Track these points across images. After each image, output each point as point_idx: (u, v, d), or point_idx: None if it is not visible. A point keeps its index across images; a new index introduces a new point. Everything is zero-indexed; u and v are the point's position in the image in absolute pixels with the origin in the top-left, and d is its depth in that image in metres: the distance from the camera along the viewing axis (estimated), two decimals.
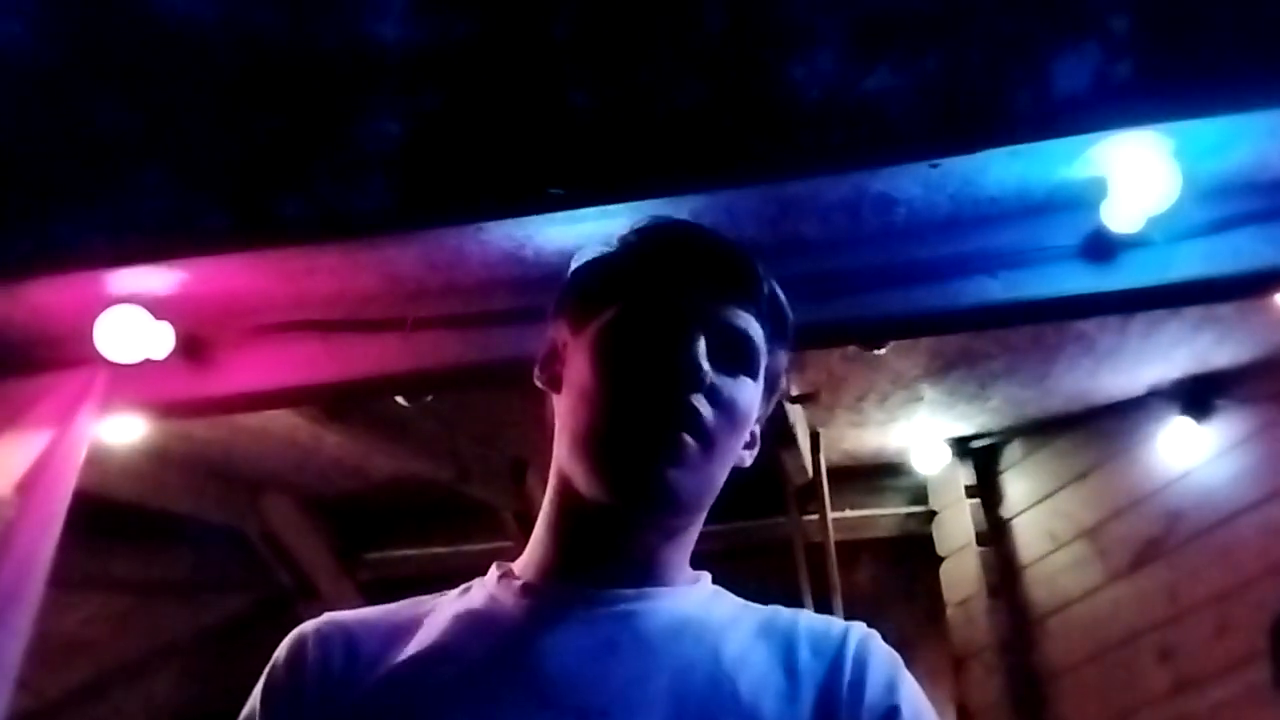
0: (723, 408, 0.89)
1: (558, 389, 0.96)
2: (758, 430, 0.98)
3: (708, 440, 0.88)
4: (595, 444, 0.89)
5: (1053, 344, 3.00)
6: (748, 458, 0.97)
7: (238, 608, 3.77)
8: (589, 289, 0.97)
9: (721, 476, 0.93)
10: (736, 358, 0.91)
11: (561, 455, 0.94)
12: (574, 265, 1.01)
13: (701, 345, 0.88)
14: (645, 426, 0.87)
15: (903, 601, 3.79)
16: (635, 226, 1.00)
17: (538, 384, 1.00)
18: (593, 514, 0.90)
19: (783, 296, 0.98)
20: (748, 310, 0.93)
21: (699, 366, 0.87)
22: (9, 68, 1.99)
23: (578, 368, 0.93)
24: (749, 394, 0.93)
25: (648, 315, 0.90)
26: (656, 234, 0.99)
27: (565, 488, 0.93)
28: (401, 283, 1.98)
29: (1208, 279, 1.82)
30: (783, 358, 0.99)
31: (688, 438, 0.87)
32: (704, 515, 0.96)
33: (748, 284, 0.94)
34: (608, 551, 0.91)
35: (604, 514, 0.89)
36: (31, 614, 1.77)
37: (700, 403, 0.87)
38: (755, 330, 0.93)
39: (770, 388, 0.98)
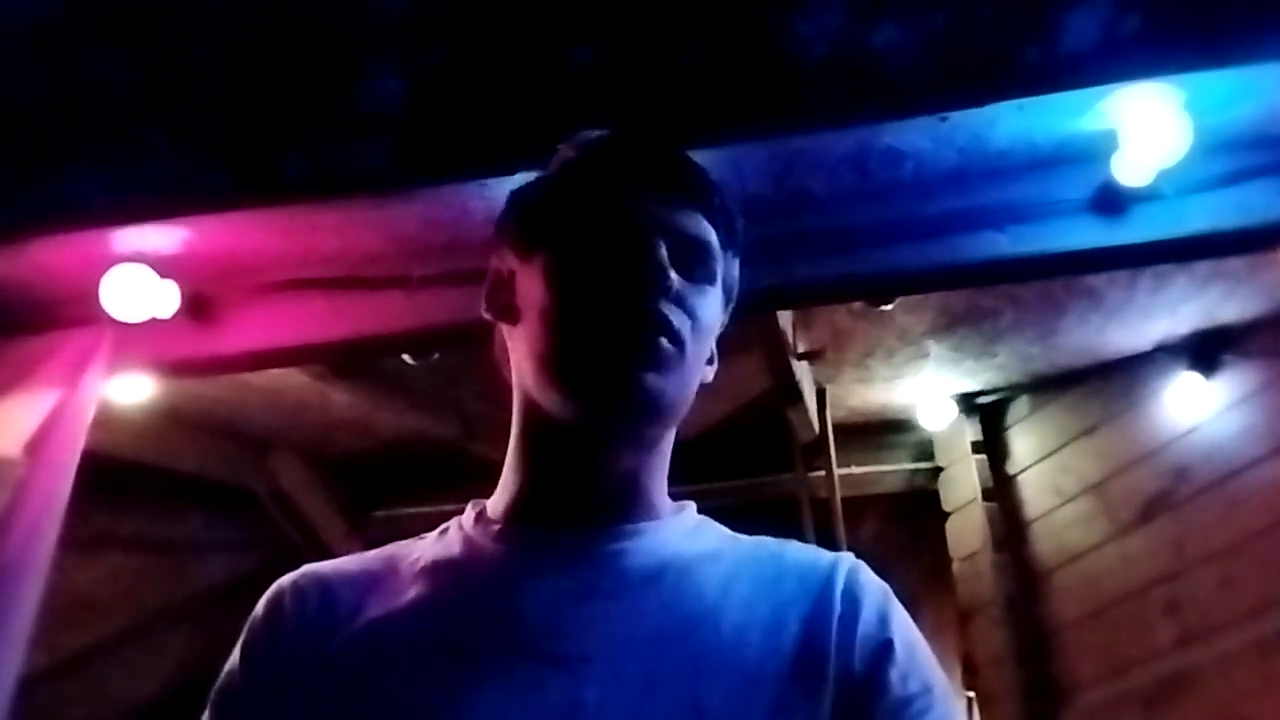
0: (689, 313, 0.88)
1: (511, 319, 0.94)
2: (715, 348, 0.96)
3: (680, 343, 0.87)
4: (568, 361, 0.86)
5: (1060, 299, 2.99)
6: (710, 373, 0.95)
7: (248, 566, 3.80)
8: (533, 213, 0.95)
9: (694, 385, 0.91)
10: (697, 264, 0.90)
11: (527, 383, 0.91)
12: (515, 189, 0.99)
13: (663, 252, 0.87)
14: (618, 335, 0.85)
15: (909, 557, 3.81)
16: (573, 141, 0.98)
17: (485, 316, 0.97)
18: (566, 438, 0.88)
19: (731, 204, 0.96)
20: (701, 215, 0.92)
21: (665, 273, 0.86)
22: (12, 26, 1.98)
23: (535, 292, 0.90)
24: (712, 302, 0.92)
25: (605, 228, 0.88)
26: (599, 146, 0.96)
27: (533, 416, 0.91)
28: (406, 240, 1.97)
29: (1218, 232, 1.81)
30: (735, 265, 0.98)
31: (663, 340, 0.85)
32: (673, 432, 0.94)
33: (698, 189, 0.93)
34: (583, 480, 0.89)
35: (577, 436, 0.88)
36: (44, 573, 1.78)
37: (669, 309, 0.86)
38: (711, 235, 0.92)
39: (727, 297, 0.97)
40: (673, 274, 0.86)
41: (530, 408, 0.91)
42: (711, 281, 0.92)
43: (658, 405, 0.87)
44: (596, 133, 0.98)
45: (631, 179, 0.91)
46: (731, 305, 0.99)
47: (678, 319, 0.86)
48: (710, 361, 0.95)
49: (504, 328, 0.96)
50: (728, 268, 0.95)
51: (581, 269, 0.88)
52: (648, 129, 0.99)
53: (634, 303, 0.85)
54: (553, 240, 0.91)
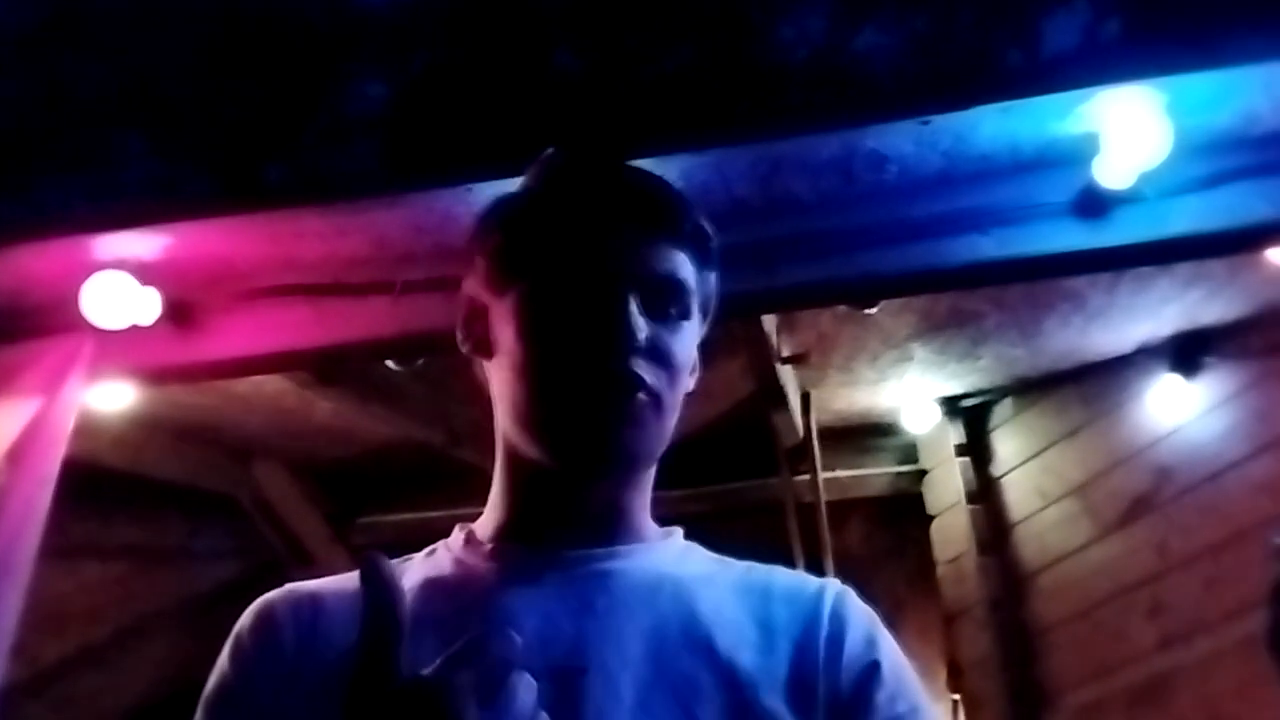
0: (664, 362, 0.88)
1: (486, 353, 0.94)
2: (697, 356, 0.96)
3: (656, 398, 0.87)
4: (542, 419, 0.87)
5: (1043, 302, 3.00)
6: (692, 382, 0.95)
7: (231, 574, 3.78)
8: (503, 250, 0.94)
9: (673, 422, 0.91)
10: (670, 304, 0.89)
11: (506, 425, 0.92)
12: (482, 214, 0.98)
13: (634, 306, 0.86)
14: (591, 399, 0.85)
15: (893, 560, 3.82)
16: (540, 165, 0.97)
17: (462, 349, 0.97)
18: (547, 476, 0.89)
19: (703, 219, 0.95)
20: (674, 247, 0.90)
21: (633, 332, 0.85)
22: None
23: (507, 337, 0.90)
24: (687, 338, 0.92)
25: (573, 281, 0.88)
26: (565, 179, 0.95)
27: (515, 453, 0.92)
28: (389, 246, 1.97)
29: (1199, 234, 1.82)
30: (713, 280, 0.97)
31: (639, 395, 0.86)
32: (656, 462, 0.94)
33: (668, 220, 0.91)
34: (569, 510, 0.90)
35: (558, 475, 0.88)
36: (24, 583, 1.77)
37: (641, 365, 0.86)
38: (685, 269, 0.91)
39: (705, 312, 0.96)
40: (643, 329, 0.86)
41: (511, 445, 0.92)
42: (686, 316, 0.91)
43: (635, 458, 0.89)
44: (559, 155, 0.98)
45: (602, 217, 0.90)
46: (711, 317, 0.99)
47: (651, 373, 0.86)
48: (692, 372, 0.95)
49: (482, 363, 0.96)
50: (704, 288, 0.95)
51: (553, 322, 0.88)
52: (608, 148, 0.97)
53: (605, 364, 0.85)
54: (524, 284, 0.90)
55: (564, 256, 0.89)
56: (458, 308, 0.98)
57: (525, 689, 0.66)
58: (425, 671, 0.64)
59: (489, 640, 0.66)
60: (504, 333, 0.91)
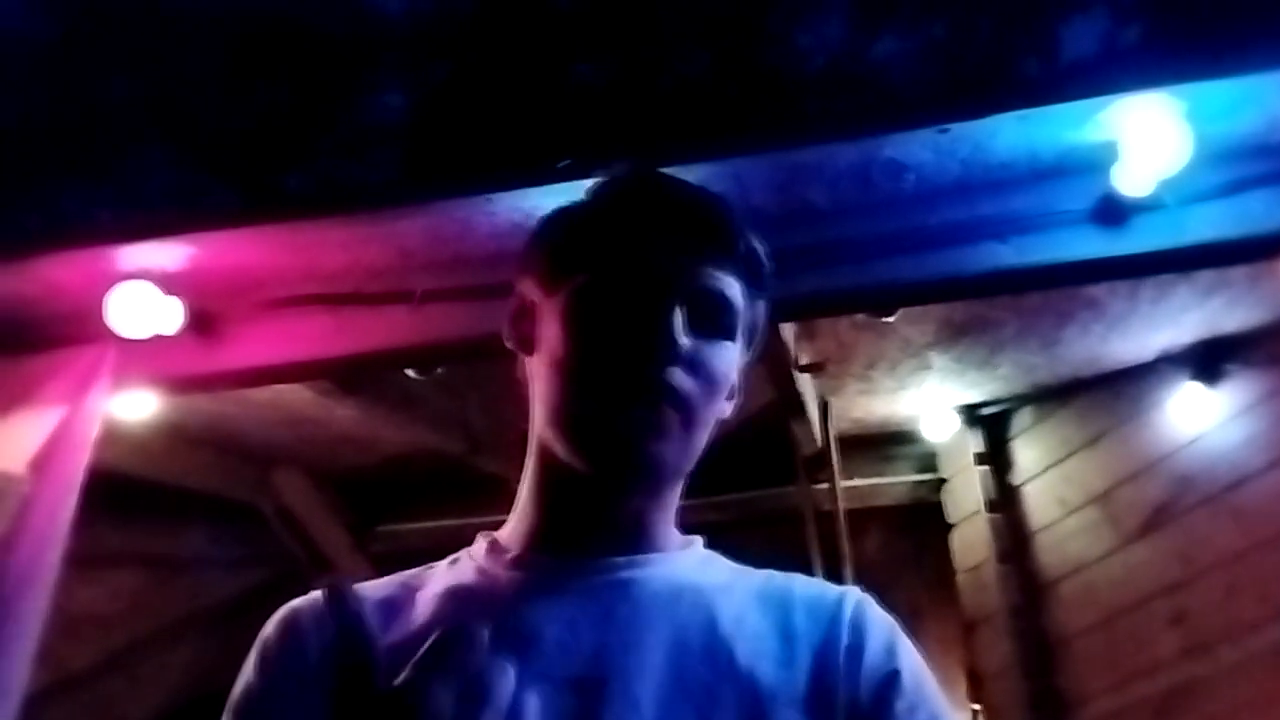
0: (701, 376, 0.88)
1: (529, 350, 0.95)
2: (737, 382, 0.96)
3: (687, 411, 0.87)
4: (574, 419, 0.88)
5: (1063, 310, 2.99)
6: (728, 409, 0.95)
7: (252, 582, 3.80)
8: (559, 249, 0.95)
9: (703, 440, 0.92)
10: (715, 322, 0.89)
11: (539, 424, 0.92)
12: (544, 217, 0.99)
13: (678, 316, 0.86)
14: (623, 403, 0.85)
15: (913, 569, 3.80)
16: (607, 177, 0.97)
17: (507, 344, 0.98)
18: (576, 482, 0.89)
19: (759, 246, 0.95)
20: (724, 268, 0.90)
21: (675, 340, 0.85)
22: (16, 45, 1.99)
23: (551, 334, 0.91)
24: (728, 357, 0.91)
25: (621, 284, 0.88)
26: (626, 189, 0.96)
27: (546, 455, 0.92)
28: (410, 255, 1.98)
29: (1219, 242, 1.81)
30: (761, 308, 0.97)
31: (668, 408, 0.86)
32: (685, 478, 0.95)
33: (723, 240, 0.92)
34: (595, 518, 0.90)
35: (587, 482, 0.88)
36: (49, 590, 1.79)
37: (677, 376, 0.86)
38: (733, 290, 0.91)
39: (750, 340, 0.96)
40: (684, 339, 0.86)
41: (544, 445, 0.92)
42: (729, 337, 0.91)
43: (659, 472, 0.89)
44: (629, 170, 0.98)
45: (657, 227, 0.90)
46: (755, 346, 0.99)
47: (686, 384, 0.86)
48: (730, 398, 0.95)
49: (524, 359, 0.97)
50: (751, 315, 0.95)
51: (596, 327, 0.88)
52: (673, 172, 0.97)
53: (642, 369, 0.85)
54: (574, 282, 0.91)
55: (616, 259, 0.89)
56: (508, 306, 0.99)
57: (502, 680, 0.66)
58: (397, 681, 0.65)
59: (455, 639, 0.67)
60: (549, 330, 0.91)
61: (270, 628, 0.88)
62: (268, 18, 1.93)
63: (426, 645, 0.67)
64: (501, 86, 1.82)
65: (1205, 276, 2.74)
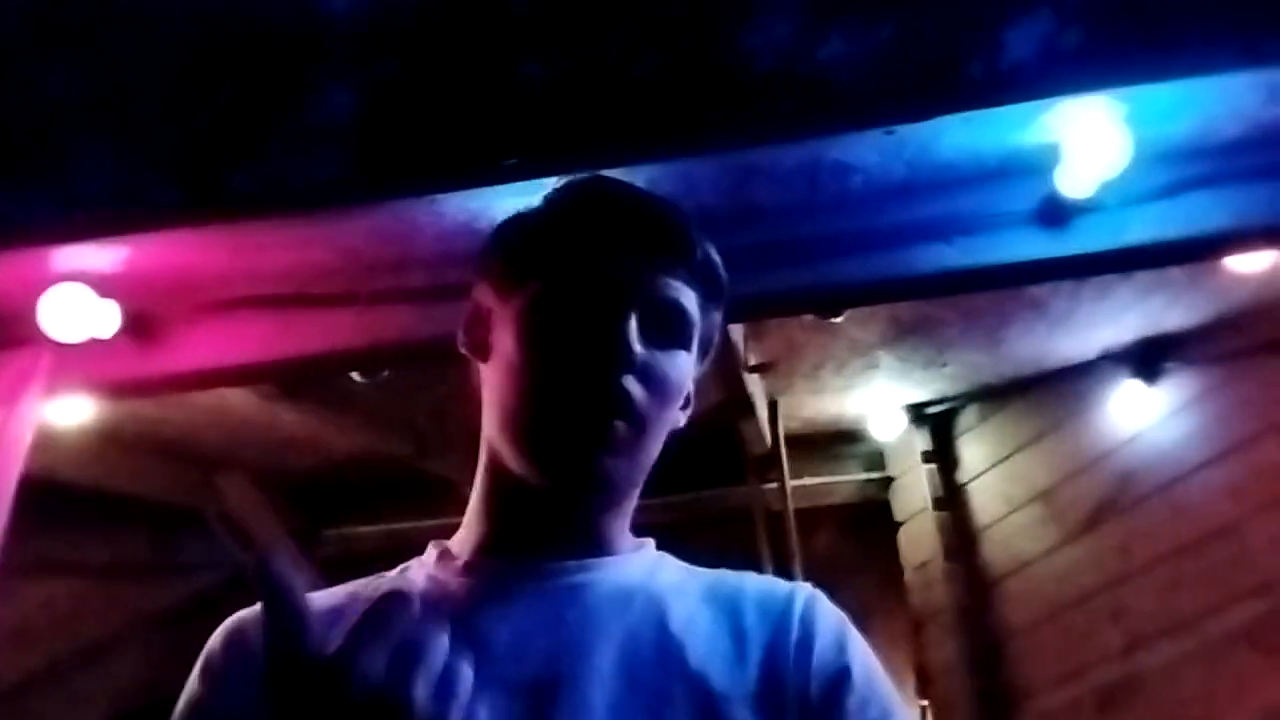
0: (654, 385, 0.87)
1: (484, 356, 0.94)
2: (691, 391, 0.95)
3: (639, 422, 0.87)
4: (525, 428, 0.87)
5: (1007, 309, 3.03)
6: (682, 418, 0.95)
7: (197, 588, 3.74)
8: (514, 256, 0.94)
9: (655, 451, 0.92)
10: (668, 331, 0.89)
11: (491, 432, 0.92)
12: (499, 223, 0.98)
13: (632, 324, 0.86)
14: (575, 413, 0.85)
15: (862, 567, 3.83)
16: (563, 184, 0.97)
17: (461, 350, 0.97)
18: (527, 491, 0.88)
19: (715, 256, 0.95)
20: (679, 277, 0.90)
21: (629, 348, 0.85)
22: None
23: (505, 342, 0.90)
24: (682, 365, 0.91)
25: (576, 292, 0.88)
26: (584, 194, 0.95)
27: (497, 463, 0.91)
28: (355, 257, 1.96)
29: (1160, 243, 1.84)
30: (716, 318, 0.97)
31: (619, 423, 0.85)
32: (640, 487, 0.95)
33: (679, 248, 0.91)
34: (546, 525, 0.90)
35: (538, 491, 0.88)
36: None
37: (631, 384, 0.85)
38: (688, 298, 0.91)
39: (704, 350, 0.96)
40: (638, 348, 0.86)
41: (494, 453, 0.92)
42: (684, 346, 0.91)
43: (610, 483, 0.88)
44: (585, 177, 0.98)
45: (613, 236, 0.90)
46: (710, 357, 0.98)
47: (639, 393, 0.86)
48: (685, 407, 0.95)
49: (479, 365, 0.96)
50: (706, 325, 0.94)
51: (549, 334, 0.88)
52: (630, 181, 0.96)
53: (596, 379, 0.85)
54: (529, 290, 0.90)
55: (571, 267, 0.89)
56: (462, 311, 0.98)
57: (437, 646, 0.65)
58: (330, 649, 0.64)
59: (386, 606, 0.66)
60: (503, 337, 0.91)
61: (215, 639, 0.87)
62: (213, 14, 1.90)
63: (361, 614, 0.66)
64: (448, 85, 1.80)
65: (1145, 276, 2.78)
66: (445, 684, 0.64)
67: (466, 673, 0.66)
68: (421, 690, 0.63)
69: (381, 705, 0.61)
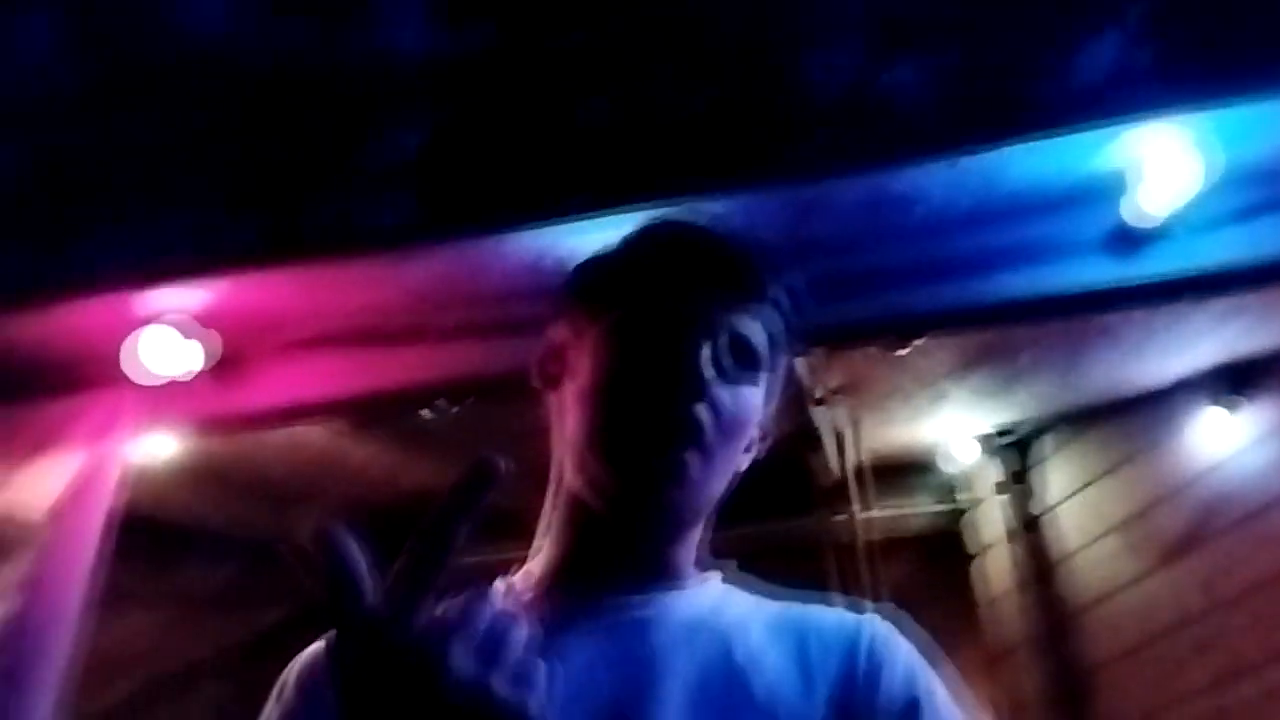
0: (724, 418, 0.88)
1: (555, 387, 0.96)
2: (758, 434, 0.96)
3: (707, 453, 0.87)
4: (595, 456, 0.88)
5: (1078, 337, 2.98)
6: (745, 462, 0.95)
7: (274, 620, 3.79)
8: (591, 291, 0.96)
9: (721, 485, 0.92)
10: (739, 365, 0.90)
11: (563, 457, 0.93)
12: (578, 264, 1.00)
13: (705, 353, 0.87)
14: (645, 441, 0.86)
15: (934, 600, 3.76)
16: (640, 226, 0.99)
17: (534, 384, 0.99)
18: (598, 519, 0.90)
19: (790, 297, 0.96)
20: (752, 314, 0.92)
21: (700, 376, 0.86)
22: (38, 88, 2.02)
23: (580, 372, 0.92)
24: (751, 402, 0.92)
25: (650, 322, 0.89)
26: (660, 235, 0.97)
27: (569, 496, 0.93)
28: (425, 294, 1.99)
29: (1233, 268, 1.81)
30: (786, 357, 0.98)
31: (687, 455, 0.86)
32: (705, 517, 0.95)
33: (752, 287, 0.93)
34: (615, 556, 0.91)
35: (608, 520, 0.89)
36: (70, 635, 1.79)
37: (701, 412, 0.86)
38: (759, 336, 0.92)
39: (773, 388, 0.97)
40: (709, 378, 0.87)
41: (565, 484, 0.93)
42: (755, 382, 0.92)
43: (677, 515, 0.90)
44: (660, 221, 1.00)
45: (687, 272, 0.92)
46: (780, 398, 0.99)
47: (709, 422, 0.87)
48: (749, 449, 0.95)
49: (552, 397, 0.98)
50: (776, 364, 0.95)
51: (622, 362, 0.89)
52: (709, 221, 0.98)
53: (667, 406, 0.86)
54: (602, 326, 0.92)
55: (646, 299, 0.91)
56: (529, 346, 1.00)
57: (516, 638, 0.66)
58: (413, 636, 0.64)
59: (468, 602, 0.67)
60: (579, 368, 0.92)
61: (290, 671, 0.89)
62: (286, 62, 1.95)
63: (447, 609, 0.66)
64: (512, 126, 1.83)
65: (1221, 302, 2.72)
66: (524, 674, 0.65)
67: (544, 667, 0.67)
68: (502, 677, 0.63)
69: (463, 689, 0.62)
